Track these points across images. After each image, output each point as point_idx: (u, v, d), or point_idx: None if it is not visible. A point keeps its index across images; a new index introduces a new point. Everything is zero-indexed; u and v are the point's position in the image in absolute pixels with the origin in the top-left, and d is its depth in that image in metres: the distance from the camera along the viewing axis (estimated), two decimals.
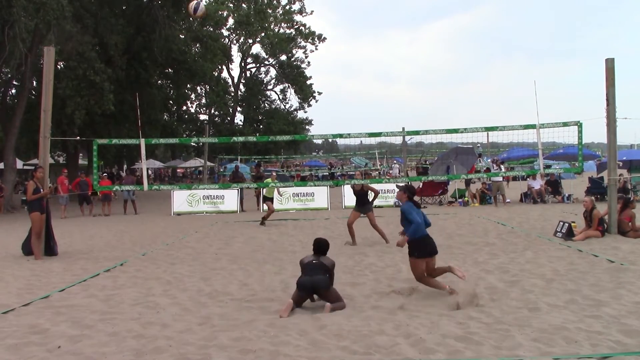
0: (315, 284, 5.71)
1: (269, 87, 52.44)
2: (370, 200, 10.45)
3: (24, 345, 4.64)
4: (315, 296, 5.90)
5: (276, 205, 17.55)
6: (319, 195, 19.10)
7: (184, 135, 43.65)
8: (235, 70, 56.95)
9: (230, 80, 50.67)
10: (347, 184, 19.18)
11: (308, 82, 49.29)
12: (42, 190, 9.56)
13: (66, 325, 5.21)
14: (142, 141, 10.40)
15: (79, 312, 5.70)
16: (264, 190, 15.29)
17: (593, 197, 10.82)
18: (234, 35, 48.53)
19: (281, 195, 17.47)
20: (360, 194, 10.47)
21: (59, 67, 21.93)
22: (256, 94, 50.47)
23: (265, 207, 15.28)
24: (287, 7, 48.54)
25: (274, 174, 19.20)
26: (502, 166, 23.82)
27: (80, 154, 31.32)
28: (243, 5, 47.53)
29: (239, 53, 50.42)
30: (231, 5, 47.02)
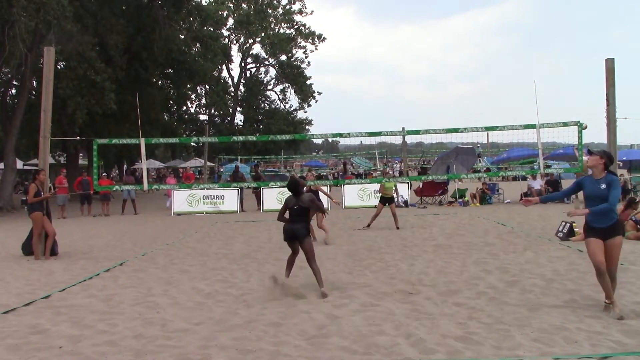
0: (295, 232, 6.37)
1: (269, 87, 52.49)
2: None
3: (24, 345, 4.64)
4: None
5: (274, 204, 17.56)
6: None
7: (184, 135, 43.62)
8: (235, 70, 57.12)
9: (230, 80, 50.75)
10: (347, 184, 19.23)
11: (308, 82, 49.33)
12: (43, 193, 9.56)
13: (66, 325, 5.21)
14: (142, 141, 10.41)
15: (79, 312, 5.71)
16: (380, 189, 13.01)
17: None
18: (234, 35, 48.59)
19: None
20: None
21: (59, 67, 21.93)
22: (256, 94, 50.49)
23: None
24: (287, 7, 48.58)
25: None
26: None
27: (81, 154, 31.32)
28: (243, 5, 47.59)
29: (239, 53, 50.49)
30: (231, 5, 47.06)
